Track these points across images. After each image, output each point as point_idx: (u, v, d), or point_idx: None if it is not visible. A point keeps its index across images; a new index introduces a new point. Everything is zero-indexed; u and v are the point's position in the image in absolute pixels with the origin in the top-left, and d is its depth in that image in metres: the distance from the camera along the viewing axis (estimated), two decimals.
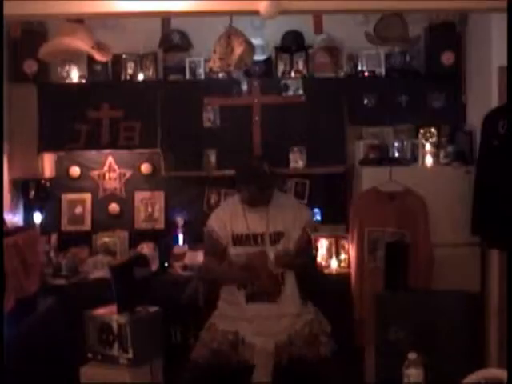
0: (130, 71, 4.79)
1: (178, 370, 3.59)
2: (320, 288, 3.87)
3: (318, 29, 4.30)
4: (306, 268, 3.61)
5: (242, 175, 3.59)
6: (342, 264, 4.57)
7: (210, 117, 4.68)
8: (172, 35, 4.71)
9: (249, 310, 3.45)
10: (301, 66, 4.76)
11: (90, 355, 3.62)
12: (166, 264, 4.58)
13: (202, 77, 4.77)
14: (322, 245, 4.59)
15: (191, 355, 3.44)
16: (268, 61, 4.80)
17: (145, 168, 4.91)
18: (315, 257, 4.24)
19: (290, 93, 4.68)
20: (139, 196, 4.93)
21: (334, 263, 4.57)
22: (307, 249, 3.61)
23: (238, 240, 3.52)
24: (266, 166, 3.58)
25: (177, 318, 4.29)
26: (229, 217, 3.57)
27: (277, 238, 3.50)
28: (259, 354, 3.35)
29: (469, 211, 4.08)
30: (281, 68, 4.78)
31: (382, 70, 4.76)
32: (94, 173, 4.92)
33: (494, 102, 4.11)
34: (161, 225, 4.91)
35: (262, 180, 3.49)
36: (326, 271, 4.53)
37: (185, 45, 4.78)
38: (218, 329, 3.45)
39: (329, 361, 3.38)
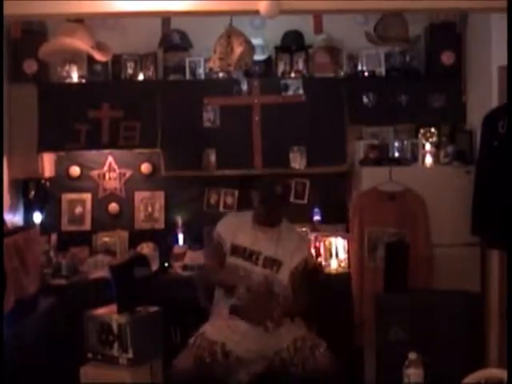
0: (130, 71, 4.79)
1: None
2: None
3: (318, 29, 4.31)
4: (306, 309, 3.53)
5: (261, 191, 3.59)
6: (342, 264, 4.57)
7: (210, 117, 4.68)
8: (172, 35, 4.71)
9: (236, 325, 3.38)
10: (301, 65, 4.76)
11: (89, 355, 3.61)
12: (166, 264, 4.58)
13: (202, 77, 4.77)
14: (322, 245, 4.58)
15: (174, 361, 3.34)
16: (268, 61, 4.79)
17: (145, 168, 4.90)
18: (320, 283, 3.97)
19: (290, 93, 4.68)
20: (139, 196, 4.92)
21: (333, 263, 4.57)
22: (304, 284, 3.52)
23: (235, 250, 3.50)
24: (281, 189, 3.59)
25: (177, 318, 4.29)
26: (236, 226, 3.58)
27: (270, 263, 3.46)
28: (246, 370, 3.31)
29: (469, 211, 4.08)
30: (281, 68, 4.78)
31: (382, 70, 4.76)
32: (94, 173, 4.91)
33: (494, 102, 4.11)
34: (161, 225, 4.90)
35: (275, 201, 3.53)
36: (325, 271, 4.51)
37: (185, 45, 4.78)
38: (207, 338, 3.36)
39: (329, 372, 3.23)
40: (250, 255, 3.48)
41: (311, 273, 3.59)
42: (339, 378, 3.25)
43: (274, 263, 3.47)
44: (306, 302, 3.48)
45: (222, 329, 3.39)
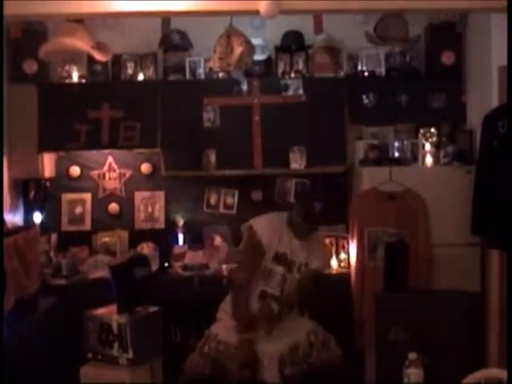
0: (129, 71, 4.79)
1: (177, 370, 3.59)
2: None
3: (318, 29, 4.30)
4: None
5: (303, 207, 3.65)
6: (342, 264, 4.57)
7: (210, 117, 4.68)
8: (172, 35, 4.71)
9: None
10: (301, 65, 4.76)
11: (89, 355, 3.61)
12: (166, 264, 4.58)
13: (202, 77, 4.77)
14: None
15: (186, 364, 3.40)
16: (268, 61, 4.80)
17: (145, 168, 4.91)
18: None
19: (290, 93, 4.68)
20: (139, 196, 4.92)
21: (334, 263, 4.57)
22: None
23: (278, 258, 3.55)
24: (314, 206, 3.67)
25: (177, 318, 4.29)
26: (278, 233, 3.59)
27: (301, 270, 3.57)
28: (263, 367, 3.33)
29: (469, 211, 4.08)
30: (281, 68, 4.78)
31: (382, 70, 4.76)
32: (94, 173, 4.92)
33: (494, 102, 4.11)
34: (161, 225, 4.91)
35: (315, 219, 3.62)
36: (325, 271, 4.51)
37: (185, 45, 4.78)
38: (220, 340, 3.41)
39: (336, 367, 3.41)
40: (289, 264, 3.55)
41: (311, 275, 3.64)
42: (349, 370, 3.44)
43: (301, 268, 3.58)
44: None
45: (234, 330, 3.41)
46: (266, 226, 3.59)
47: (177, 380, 3.47)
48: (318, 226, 3.74)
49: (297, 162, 4.64)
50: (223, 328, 3.47)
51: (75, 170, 4.89)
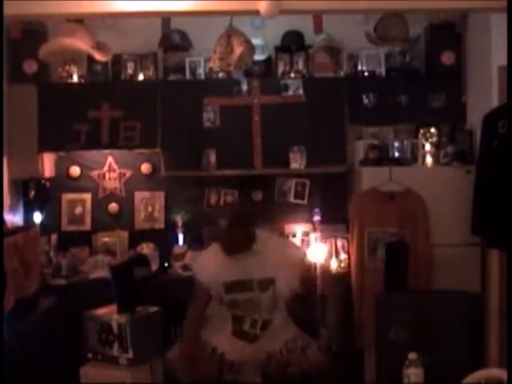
0: (130, 71, 4.80)
1: None
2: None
3: (318, 29, 4.30)
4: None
5: (217, 220, 3.40)
6: (342, 264, 4.57)
7: (210, 117, 4.68)
8: (172, 35, 4.71)
9: (232, 344, 3.37)
10: (301, 65, 4.76)
11: (89, 355, 3.62)
12: (166, 264, 4.58)
13: (202, 77, 4.77)
14: (322, 245, 4.58)
15: (167, 353, 3.41)
16: (268, 61, 4.80)
17: (145, 168, 4.91)
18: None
19: (290, 93, 4.68)
20: (139, 196, 4.92)
21: (333, 263, 4.57)
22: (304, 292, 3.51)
23: (229, 288, 3.36)
24: (238, 207, 3.54)
25: (177, 318, 4.29)
26: (216, 266, 3.41)
27: (266, 284, 3.35)
28: (239, 373, 3.32)
29: (469, 211, 4.08)
30: (281, 68, 4.78)
31: (382, 70, 4.76)
32: (94, 173, 4.92)
33: (494, 102, 4.11)
34: (161, 225, 4.91)
35: (230, 220, 3.33)
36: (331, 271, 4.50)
37: (185, 45, 4.78)
38: (200, 338, 3.40)
39: (324, 370, 3.32)
40: (243, 286, 3.35)
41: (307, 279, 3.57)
42: (335, 375, 3.31)
43: (268, 283, 3.36)
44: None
45: (216, 332, 3.40)
46: (201, 270, 3.47)
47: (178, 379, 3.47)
48: (253, 229, 3.42)
49: (297, 162, 4.64)
50: (205, 330, 3.46)
51: (75, 170, 4.89)
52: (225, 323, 3.40)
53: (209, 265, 3.47)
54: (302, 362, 3.32)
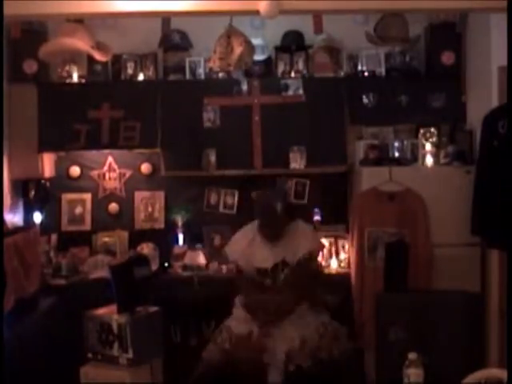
0: (130, 71, 4.80)
1: (177, 370, 3.60)
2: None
3: (318, 29, 4.30)
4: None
5: (257, 210, 3.86)
6: (342, 264, 4.58)
7: (210, 117, 4.68)
8: (172, 35, 4.71)
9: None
10: (301, 65, 4.76)
11: (89, 355, 3.61)
12: (166, 264, 4.58)
13: (202, 77, 4.77)
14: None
15: (203, 354, 3.53)
16: (268, 61, 4.79)
17: (145, 168, 4.91)
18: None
19: (290, 93, 4.68)
20: (139, 196, 4.92)
21: (334, 263, 4.57)
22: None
23: (259, 273, 3.68)
24: (281, 200, 3.80)
25: (177, 318, 4.29)
26: (251, 250, 3.77)
27: (284, 267, 3.66)
28: (271, 356, 3.37)
29: (469, 211, 4.08)
30: (281, 68, 4.78)
31: (382, 70, 4.76)
32: (94, 173, 4.92)
33: (494, 101, 4.10)
34: (161, 225, 4.91)
35: (272, 219, 3.73)
36: (325, 271, 4.52)
37: (185, 45, 4.78)
38: (233, 331, 3.50)
39: (342, 362, 3.48)
40: (272, 272, 3.66)
41: (311, 273, 3.66)
42: (359, 363, 3.57)
43: (284, 266, 3.66)
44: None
45: (247, 322, 3.52)
46: (235, 249, 3.87)
47: (178, 379, 3.49)
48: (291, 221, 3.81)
49: (297, 162, 4.64)
50: (236, 321, 3.60)
51: (75, 170, 4.89)
52: None
53: (245, 250, 3.78)
54: (332, 349, 3.48)
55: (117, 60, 4.76)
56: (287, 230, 3.79)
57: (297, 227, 3.89)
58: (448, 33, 4.67)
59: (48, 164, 4.78)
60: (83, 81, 4.73)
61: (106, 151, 4.84)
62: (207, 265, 4.58)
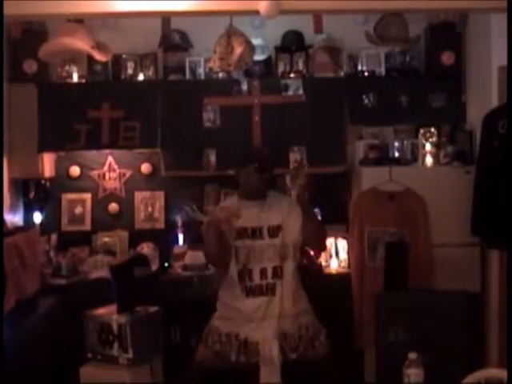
0: (130, 71, 4.79)
1: (177, 370, 3.59)
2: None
3: (318, 29, 4.30)
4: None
5: (244, 157, 3.54)
6: (342, 264, 4.57)
7: (210, 117, 4.68)
8: (172, 35, 4.71)
9: (248, 307, 3.37)
10: (301, 65, 4.76)
11: (89, 355, 3.61)
12: (166, 264, 4.58)
13: (202, 77, 4.77)
14: None
15: (195, 357, 3.39)
16: (268, 61, 4.79)
17: (145, 168, 4.91)
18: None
19: (290, 92, 4.68)
20: (139, 196, 4.93)
21: (334, 263, 4.57)
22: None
23: (238, 234, 3.41)
24: (267, 152, 3.59)
25: (177, 318, 4.29)
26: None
27: (275, 231, 3.41)
28: (263, 352, 3.33)
29: (469, 211, 4.08)
30: (281, 68, 4.78)
31: (382, 70, 4.76)
32: (94, 173, 4.92)
33: (494, 101, 4.11)
34: (161, 225, 4.91)
35: (262, 162, 3.45)
36: (326, 271, 4.52)
37: (185, 45, 4.78)
38: (221, 332, 3.41)
39: (327, 362, 3.33)
40: (253, 233, 3.41)
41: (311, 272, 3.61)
42: (335, 366, 3.31)
43: (277, 230, 3.40)
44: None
45: (233, 319, 3.38)
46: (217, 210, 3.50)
47: (184, 378, 3.46)
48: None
49: (296, 161, 4.64)
50: (222, 320, 3.44)
51: (75, 170, 4.89)
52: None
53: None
54: (307, 352, 3.32)
55: (117, 60, 4.75)
56: (271, 195, 3.52)
57: (280, 195, 3.67)
58: (448, 33, 4.67)
59: (48, 164, 4.78)
60: (83, 81, 4.73)
61: (106, 151, 4.84)
62: (207, 265, 4.57)
